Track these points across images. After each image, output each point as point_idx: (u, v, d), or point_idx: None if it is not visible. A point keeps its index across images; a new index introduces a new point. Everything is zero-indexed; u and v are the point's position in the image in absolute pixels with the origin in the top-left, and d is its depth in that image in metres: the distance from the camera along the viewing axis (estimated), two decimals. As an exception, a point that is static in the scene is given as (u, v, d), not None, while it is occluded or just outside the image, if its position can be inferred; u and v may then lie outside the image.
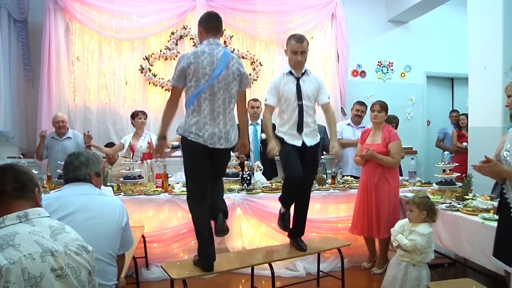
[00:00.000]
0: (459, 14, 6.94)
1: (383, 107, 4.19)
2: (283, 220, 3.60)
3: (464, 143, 6.12)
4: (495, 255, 2.57)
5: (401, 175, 5.22)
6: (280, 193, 3.70)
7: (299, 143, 3.43)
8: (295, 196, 3.53)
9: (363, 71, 7.25)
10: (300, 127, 3.41)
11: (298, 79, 3.45)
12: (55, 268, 1.43)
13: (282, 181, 3.66)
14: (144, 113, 5.25)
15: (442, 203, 3.70)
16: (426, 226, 3.06)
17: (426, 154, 7.45)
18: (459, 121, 6.64)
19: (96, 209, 2.18)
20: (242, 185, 4.44)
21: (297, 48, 3.39)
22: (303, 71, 3.49)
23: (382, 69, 7.31)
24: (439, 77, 7.77)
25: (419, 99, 7.48)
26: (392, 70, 7.34)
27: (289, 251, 3.56)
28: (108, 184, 4.31)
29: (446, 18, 7.31)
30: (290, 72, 3.48)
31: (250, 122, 5.32)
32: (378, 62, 7.30)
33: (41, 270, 1.39)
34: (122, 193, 4.16)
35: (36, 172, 4.05)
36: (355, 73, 7.20)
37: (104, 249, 2.14)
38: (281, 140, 3.50)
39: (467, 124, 6.33)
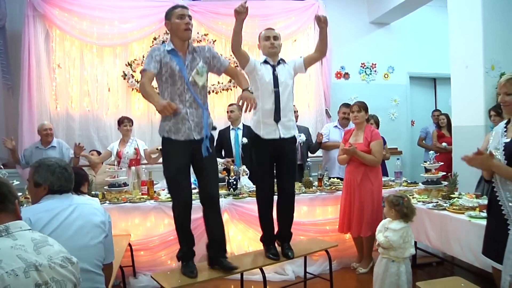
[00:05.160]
0: (440, 15, 7.03)
1: (362, 107, 4.26)
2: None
3: (444, 144, 6.18)
4: (484, 253, 2.58)
5: (387, 175, 5.27)
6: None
7: (276, 135, 3.31)
8: (271, 216, 3.45)
9: (346, 73, 7.29)
10: (277, 116, 3.30)
11: (274, 67, 3.37)
12: (40, 283, 1.37)
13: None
14: (130, 120, 5.19)
15: (429, 203, 3.73)
16: (398, 222, 3.14)
17: (411, 154, 7.51)
18: (439, 120, 6.70)
19: (84, 218, 2.14)
20: (229, 190, 4.41)
21: (268, 33, 3.37)
22: (279, 59, 3.42)
23: (365, 71, 7.36)
24: (422, 78, 7.85)
25: (403, 100, 7.55)
26: (375, 71, 7.40)
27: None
28: (93, 192, 4.24)
29: (427, 19, 7.40)
30: (265, 61, 3.38)
31: (231, 127, 5.30)
32: (361, 63, 7.35)
33: (25, 287, 1.33)
34: (107, 202, 4.09)
35: (18, 182, 4.03)
36: (338, 75, 7.24)
37: (93, 259, 2.12)
38: (255, 138, 3.38)
39: (447, 124, 6.42)
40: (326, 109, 6.72)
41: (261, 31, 3.45)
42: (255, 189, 4.43)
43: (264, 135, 3.33)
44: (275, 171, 3.47)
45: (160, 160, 4.79)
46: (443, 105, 7.51)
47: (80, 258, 2.01)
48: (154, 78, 2.92)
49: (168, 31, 5.91)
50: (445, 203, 3.67)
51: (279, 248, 3.46)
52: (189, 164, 2.98)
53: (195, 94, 2.94)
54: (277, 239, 3.52)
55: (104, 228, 2.21)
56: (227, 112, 5.36)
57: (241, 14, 3.11)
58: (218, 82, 6.32)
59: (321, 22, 3.35)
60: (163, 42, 6.12)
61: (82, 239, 2.07)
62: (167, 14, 3.00)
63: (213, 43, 6.35)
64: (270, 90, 3.32)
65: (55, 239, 1.63)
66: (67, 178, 2.21)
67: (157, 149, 4.95)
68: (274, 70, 3.36)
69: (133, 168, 4.72)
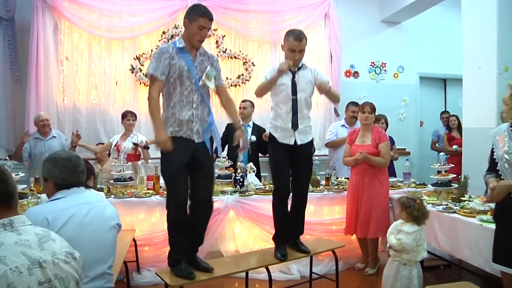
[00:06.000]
0: (452, 15, 6.97)
1: (373, 108, 4.23)
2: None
3: (455, 146, 6.11)
4: (496, 261, 2.49)
5: (395, 176, 5.20)
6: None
7: (291, 141, 3.34)
8: (287, 215, 3.43)
9: (356, 72, 7.21)
10: (294, 124, 3.32)
11: (293, 73, 3.35)
12: (43, 281, 1.33)
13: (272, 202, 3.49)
14: (133, 114, 5.15)
15: (438, 205, 3.66)
16: (411, 225, 3.08)
17: (419, 155, 7.43)
18: (450, 121, 6.63)
19: (99, 220, 2.10)
20: (235, 187, 4.37)
21: (295, 46, 3.25)
22: (300, 65, 3.39)
23: (375, 70, 7.28)
24: (432, 78, 7.76)
25: (412, 100, 7.46)
26: (385, 70, 7.31)
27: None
28: (98, 186, 4.21)
29: (438, 19, 7.30)
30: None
31: (241, 122, 5.26)
32: (371, 62, 7.27)
33: (28, 284, 1.29)
34: (112, 196, 4.06)
35: (23, 174, 4.01)
36: (348, 73, 7.16)
37: (109, 260, 2.12)
38: (272, 139, 3.41)
39: (458, 125, 6.34)
40: (335, 108, 6.65)
41: (289, 36, 3.27)
42: (261, 186, 4.45)
43: (280, 139, 3.36)
44: (291, 172, 3.45)
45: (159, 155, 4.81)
46: (452, 106, 7.45)
47: (97, 260, 2.00)
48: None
49: (178, 25, 5.97)
50: (455, 205, 3.60)
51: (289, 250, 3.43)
52: (188, 163, 2.90)
53: (203, 94, 2.92)
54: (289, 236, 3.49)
55: (118, 229, 2.19)
56: (240, 108, 5.32)
57: (284, 71, 3.20)
58: (227, 78, 6.27)
59: (322, 91, 3.38)
60: (172, 36, 6.09)
61: (98, 241, 2.05)
62: (190, 12, 2.89)
63: (223, 38, 6.29)
64: (288, 97, 3.32)
65: (72, 242, 1.58)
66: (72, 170, 2.12)
67: (145, 146, 4.93)
68: (293, 77, 3.34)
69: (138, 162, 4.68)
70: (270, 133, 3.45)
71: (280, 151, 3.37)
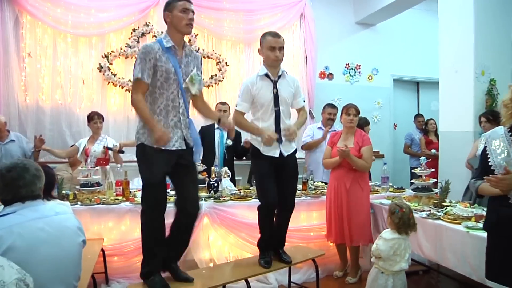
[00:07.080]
0: (427, 18, 7.05)
1: (358, 111, 4.12)
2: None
3: (433, 150, 6.10)
4: (491, 278, 2.32)
5: (370, 179, 5.13)
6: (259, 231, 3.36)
7: (276, 153, 3.21)
8: (273, 223, 3.31)
9: (330, 73, 7.15)
10: (279, 138, 3.18)
11: (274, 82, 3.22)
12: None
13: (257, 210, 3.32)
14: (100, 116, 4.87)
15: (421, 211, 3.57)
16: (393, 232, 2.99)
17: (393, 157, 7.41)
18: (428, 125, 6.62)
19: (56, 234, 1.86)
20: (209, 193, 4.18)
21: (274, 43, 3.14)
22: (280, 73, 3.26)
23: (349, 72, 7.23)
24: (405, 81, 7.79)
25: (386, 103, 7.45)
26: (359, 72, 7.28)
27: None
28: (64, 192, 3.94)
29: (413, 22, 7.34)
30: (266, 75, 3.22)
31: (216, 126, 5.07)
32: (346, 64, 7.22)
33: None
34: (79, 203, 3.81)
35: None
36: (322, 75, 7.08)
37: (72, 279, 1.89)
38: (256, 152, 3.26)
39: (436, 128, 6.34)
40: (310, 110, 6.54)
41: (265, 36, 3.21)
42: (236, 192, 4.28)
43: (264, 151, 3.21)
44: (277, 185, 3.31)
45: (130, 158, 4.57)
46: (425, 110, 7.50)
47: (57, 281, 1.76)
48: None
49: (149, 23, 5.72)
50: (438, 211, 3.51)
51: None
52: (171, 170, 2.75)
53: (186, 101, 2.77)
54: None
55: (80, 242, 1.97)
56: (219, 111, 5.11)
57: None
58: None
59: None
60: (143, 34, 5.85)
61: (56, 260, 1.82)
62: (168, 4, 2.76)
63: (195, 37, 6.09)
64: (270, 109, 3.20)
65: (23, 265, 1.36)
66: (9, 185, 1.88)
67: (119, 151, 4.71)
68: (274, 87, 3.20)
69: (107, 167, 4.42)
70: (252, 145, 3.29)
71: (265, 165, 3.21)
